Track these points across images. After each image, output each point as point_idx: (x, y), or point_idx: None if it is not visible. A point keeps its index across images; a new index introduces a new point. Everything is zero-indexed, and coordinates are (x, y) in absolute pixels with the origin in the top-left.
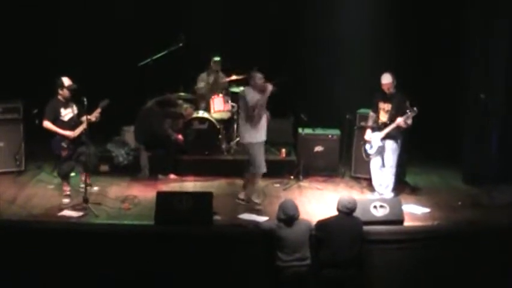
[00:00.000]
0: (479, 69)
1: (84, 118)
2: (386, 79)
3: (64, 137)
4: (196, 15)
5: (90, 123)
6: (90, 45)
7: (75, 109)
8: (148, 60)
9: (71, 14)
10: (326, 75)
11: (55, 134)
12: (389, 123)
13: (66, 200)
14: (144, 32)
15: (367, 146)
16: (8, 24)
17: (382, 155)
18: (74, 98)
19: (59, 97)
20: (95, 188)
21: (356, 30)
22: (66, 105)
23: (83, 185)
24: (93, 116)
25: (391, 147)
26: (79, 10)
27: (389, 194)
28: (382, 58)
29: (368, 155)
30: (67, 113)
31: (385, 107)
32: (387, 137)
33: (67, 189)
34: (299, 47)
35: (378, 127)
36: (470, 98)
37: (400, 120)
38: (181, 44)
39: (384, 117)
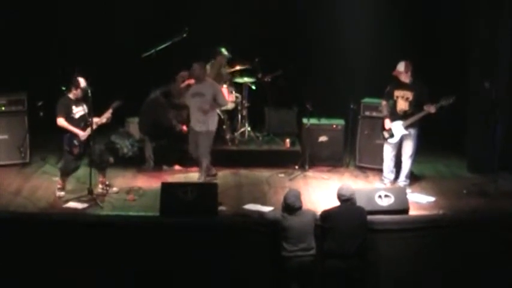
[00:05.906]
0: (484, 58)
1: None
2: (404, 67)
3: (76, 135)
4: (200, 5)
5: (101, 124)
6: (94, 36)
7: (85, 108)
8: (152, 51)
9: (73, 5)
10: (330, 65)
11: (67, 131)
12: (413, 111)
13: (61, 193)
14: (148, 22)
15: (386, 134)
16: (11, 16)
17: (400, 143)
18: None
19: (70, 95)
20: (114, 189)
21: (360, 20)
22: (77, 103)
23: (101, 186)
24: (105, 117)
25: (415, 134)
26: (82, 1)
27: (405, 181)
28: (386, 47)
29: (388, 142)
30: (78, 111)
31: (403, 94)
32: (411, 125)
33: (63, 183)
34: (303, 36)
35: (398, 116)
36: (475, 87)
37: (432, 108)
38: (184, 35)
39: (403, 106)
